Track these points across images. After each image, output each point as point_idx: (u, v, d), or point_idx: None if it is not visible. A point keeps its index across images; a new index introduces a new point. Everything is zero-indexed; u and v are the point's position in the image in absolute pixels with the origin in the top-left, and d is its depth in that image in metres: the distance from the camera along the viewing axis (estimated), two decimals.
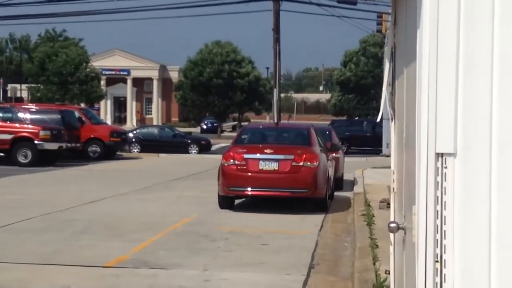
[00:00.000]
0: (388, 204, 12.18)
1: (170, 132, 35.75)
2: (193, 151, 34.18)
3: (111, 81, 76.45)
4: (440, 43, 2.64)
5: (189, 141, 34.89)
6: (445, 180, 2.68)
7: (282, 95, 59.08)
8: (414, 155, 2.88)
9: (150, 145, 33.71)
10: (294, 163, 13.14)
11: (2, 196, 14.89)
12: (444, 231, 2.68)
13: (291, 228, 11.47)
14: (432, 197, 2.69)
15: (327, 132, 19.64)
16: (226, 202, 13.58)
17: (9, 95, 59.49)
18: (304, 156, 13.20)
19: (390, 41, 4.92)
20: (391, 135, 4.76)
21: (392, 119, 4.78)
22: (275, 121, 29.79)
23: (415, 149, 2.83)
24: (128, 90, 77.60)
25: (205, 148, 34.85)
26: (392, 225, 3.56)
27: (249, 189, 13.22)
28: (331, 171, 14.70)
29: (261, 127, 17.69)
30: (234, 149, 13.68)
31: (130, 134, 34.15)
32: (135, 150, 33.58)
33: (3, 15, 32.92)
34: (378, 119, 5.42)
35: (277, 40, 32.15)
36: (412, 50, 3.11)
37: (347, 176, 19.63)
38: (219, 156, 15.70)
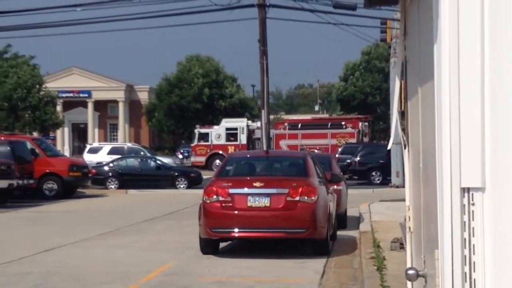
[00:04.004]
0: (401, 244, 12.18)
1: (153, 163, 35.41)
2: (182, 185, 33.71)
3: (68, 105, 76.39)
4: (462, 60, 2.66)
5: (176, 174, 34.44)
6: (473, 219, 2.68)
7: (272, 117, 59.33)
8: (435, 189, 2.89)
9: (130, 179, 33.50)
10: (288, 198, 13.13)
11: None
12: (474, 279, 2.68)
13: (287, 275, 11.42)
14: (458, 239, 2.70)
15: (326, 160, 19.68)
16: (209, 246, 13.51)
17: None
18: (300, 189, 13.19)
19: (400, 55, 4.97)
20: (405, 164, 4.79)
21: (405, 146, 4.80)
22: (265, 148, 29.83)
23: (436, 182, 2.84)
24: (89, 115, 77.54)
25: (195, 181, 34.37)
26: (410, 272, 3.56)
27: (236, 230, 13.17)
28: (332, 207, 14.69)
29: (248, 156, 17.70)
30: (218, 183, 13.65)
31: (106, 168, 34.10)
32: (112, 186, 33.39)
33: None
34: (389, 146, 5.45)
35: (264, 53, 32.34)
36: (427, 67, 3.13)
37: (351, 212, 19.64)
38: (200, 191, 15.67)
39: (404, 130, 4.93)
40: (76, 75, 78.40)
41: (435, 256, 2.92)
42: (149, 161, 36.06)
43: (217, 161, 45.59)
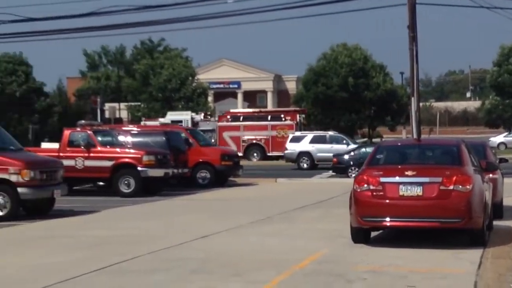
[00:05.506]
0: None
1: None
2: None
3: (219, 96, 78.34)
4: None
5: None
6: None
7: (421, 104, 58.21)
8: None
9: None
10: (442, 187, 12.82)
11: (103, 232, 15.49)
12: None
13: (441, 266, 11.19)
14: None
15: (481, 148, 19.04)
16: (360, 235, 13.44)
17: (107, 115, 62.13)
18: (454, 178, 12.84)
19: None
20: None
21: None
22: (415, 136, 29.27)
23: None
24: (239, 105, 79.11)
25: None
26: None
27: (388, 219, 13.02)
28: (488, 196, 14.21)
29: (399, 144, 17.40)
30: (368, 172, 13.54)
31: (346, 156, 34.87)
32: (354, 175, 34.01)
33: (96, 26, 34.43)
34: None
35: (413, 39, 31.62)
36: None
37: (507, 201, 18.93)
38: (349, 181, 15.61)
39: None
40: (226, 66, 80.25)
41: None
42: None
43: None
